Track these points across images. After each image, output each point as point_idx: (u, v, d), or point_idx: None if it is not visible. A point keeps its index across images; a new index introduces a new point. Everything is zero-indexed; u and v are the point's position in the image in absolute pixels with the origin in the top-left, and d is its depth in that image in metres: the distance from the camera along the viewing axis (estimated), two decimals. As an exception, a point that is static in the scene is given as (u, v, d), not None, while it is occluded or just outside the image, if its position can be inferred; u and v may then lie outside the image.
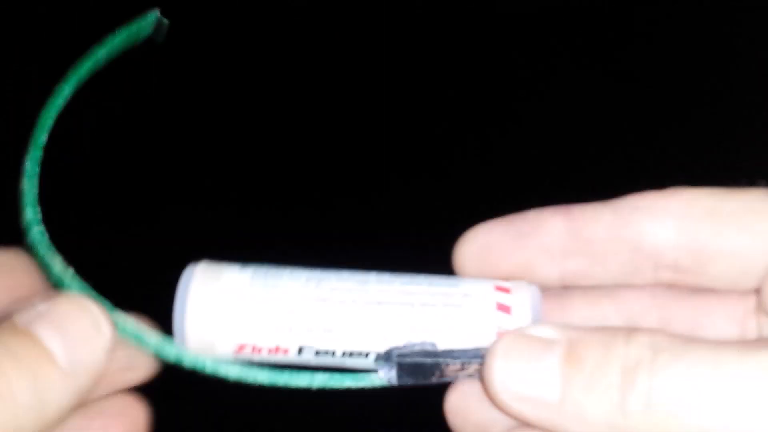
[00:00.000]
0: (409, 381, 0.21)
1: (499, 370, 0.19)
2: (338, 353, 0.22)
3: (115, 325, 0.21)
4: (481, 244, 0.22)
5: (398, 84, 0.83)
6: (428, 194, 0.78)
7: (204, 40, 0.80)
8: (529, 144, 0.81)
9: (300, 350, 0.22)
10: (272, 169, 0.79)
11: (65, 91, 0.24)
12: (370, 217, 0.75)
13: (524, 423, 0.20)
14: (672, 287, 0.22)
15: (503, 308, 0.20)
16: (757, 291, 0.21)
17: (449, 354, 0.20)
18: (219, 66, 0.82)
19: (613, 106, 0.82)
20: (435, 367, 0.20)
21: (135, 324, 0.22)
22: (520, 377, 0.19)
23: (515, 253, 0.21)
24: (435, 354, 0.20)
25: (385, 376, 0.21)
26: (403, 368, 0.20)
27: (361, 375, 0.22)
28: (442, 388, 0.23)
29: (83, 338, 0.19)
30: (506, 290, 0.21)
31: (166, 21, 0.25)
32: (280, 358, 0.22)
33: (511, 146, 0.81)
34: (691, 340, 0.18)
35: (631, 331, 0.19)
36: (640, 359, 0.17)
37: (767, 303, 0.20)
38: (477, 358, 0.20)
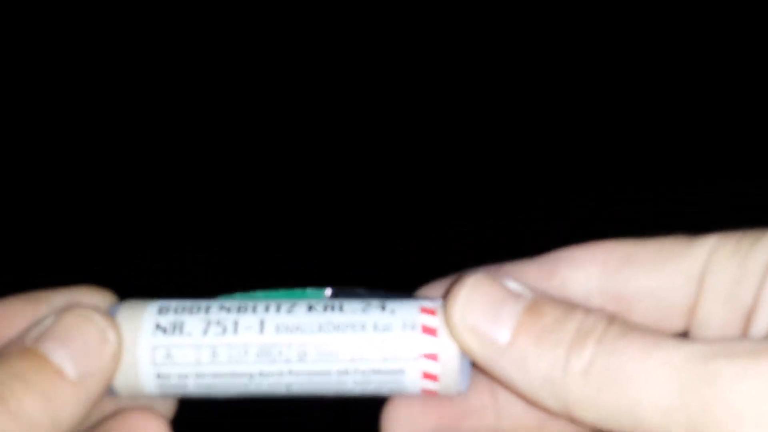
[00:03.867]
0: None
1: (462, 299, 0.20)
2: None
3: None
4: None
5: (396, 86, 0.83)
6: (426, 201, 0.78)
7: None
8: (530, 143, 0.81)
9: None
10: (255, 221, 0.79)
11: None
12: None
13: (468, 356, 0.21)
14: None
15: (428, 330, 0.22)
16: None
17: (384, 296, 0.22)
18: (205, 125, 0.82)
19: (613, 106, 0.82)
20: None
21: None
22: (480, 311, 0.20)
23: None
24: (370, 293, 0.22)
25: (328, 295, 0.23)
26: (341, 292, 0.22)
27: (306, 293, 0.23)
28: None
29: (91, 349, 0.20)
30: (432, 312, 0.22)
31: None
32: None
33: (510, 145, 0.81)
34: (640, 327, 0.19)
35: (592, 308, 0.20)
36: (594, 327, 0.19)
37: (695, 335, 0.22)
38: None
